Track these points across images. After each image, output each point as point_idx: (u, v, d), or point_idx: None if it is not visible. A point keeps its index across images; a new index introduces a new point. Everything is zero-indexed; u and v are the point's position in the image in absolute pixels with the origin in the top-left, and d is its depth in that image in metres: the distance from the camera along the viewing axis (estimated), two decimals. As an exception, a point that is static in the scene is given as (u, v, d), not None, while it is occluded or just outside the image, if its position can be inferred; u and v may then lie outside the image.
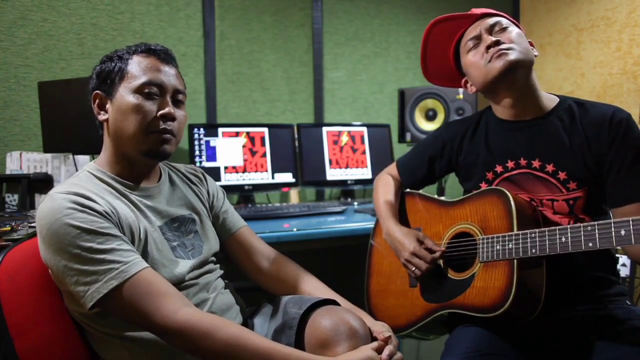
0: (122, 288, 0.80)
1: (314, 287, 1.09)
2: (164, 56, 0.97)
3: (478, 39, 1.11)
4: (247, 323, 1.08)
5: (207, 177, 1.18)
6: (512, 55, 1.03)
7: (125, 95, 0.92)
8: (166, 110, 0.93)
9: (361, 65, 2.56)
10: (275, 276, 1.13)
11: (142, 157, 0.94)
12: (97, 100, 0.96)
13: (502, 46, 1.05)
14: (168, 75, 0.96)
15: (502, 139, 1.15)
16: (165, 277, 0.89)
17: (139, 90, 0.92)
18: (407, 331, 1.20)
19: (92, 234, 0.80)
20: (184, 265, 0.95)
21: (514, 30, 1.09)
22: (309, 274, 1.14)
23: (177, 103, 0.98)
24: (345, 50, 2.52)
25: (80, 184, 0.89)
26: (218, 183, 1.98)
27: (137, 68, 0.93)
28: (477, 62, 1.10)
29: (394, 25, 2.62)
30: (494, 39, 1.06)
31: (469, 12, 1.15)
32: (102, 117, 0.96)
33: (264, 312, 1.10)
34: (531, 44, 1.12)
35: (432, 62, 1.24)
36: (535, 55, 1.11)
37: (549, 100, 1.12)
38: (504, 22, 1.11)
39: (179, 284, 0.93)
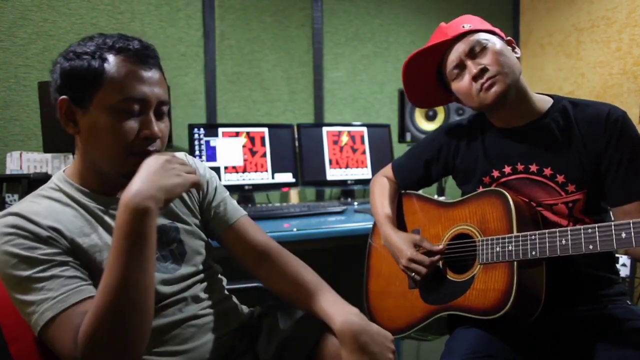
0: (58, 320, 0.72)
1: (313, 287, 0.99)
2: (146, 59, 0.83)
3: (461, 67, 1.07)
4: (251, 324, 1.07)
5: (196, 168, 1.03)
6: (503, 83, 1.01)
7: (101, 112, 0.79)
8: (149, 131, 0.82)
9: (361, 65, 2.56)
10: (273, 271, 1.02)
11: (121, 178, 0.82)
12: (64, 108, 0.81)
13: (489, 74, 1.02)
14: (151, 84, 0.82)
15: (498, 144, 1.15)
16: None
17: (117, 108, 0.79)
18: (406, 333, 1.19)
19: (31, 261, 0.73)
20: (164, 279, 0.89)
21: (495, 46, 1.04)
22: (309, 270, 1.04)
23: (160, 115, 0.86)
24: (345, 50, 2.52)
25: (36, 201, 0.81)
26: (218, 183, 1.99)
27: (115, 77, 0.79)
28: (467, 91, 1.07)
29: (394, 25, 2.62)
30: (479, 67, 1.03)
31: (442, 41, 1.08)
32: (71, 130, 0.83)
33: (275, 315, 1.04)
34: (511, 43, 1.10)
35: (418, 95, 1.25)
36: (518, 57, 1.08)
37: (542, 102, 1.11)
38: (482, 39, 1.05)
39: (162, 300, 0.88)
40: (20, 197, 1.64)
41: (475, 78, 1.04)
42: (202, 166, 1.07)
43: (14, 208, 0.78)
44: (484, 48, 1.04)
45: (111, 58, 0.80)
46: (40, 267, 0.74)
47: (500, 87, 1.02)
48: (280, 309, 1.06)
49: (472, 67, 1.04)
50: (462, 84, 1.08)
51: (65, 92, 0.81)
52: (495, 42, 1.06)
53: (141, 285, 0.72)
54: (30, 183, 1.64)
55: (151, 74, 0.83)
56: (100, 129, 0.80)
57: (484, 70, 1.03)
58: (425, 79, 1.19)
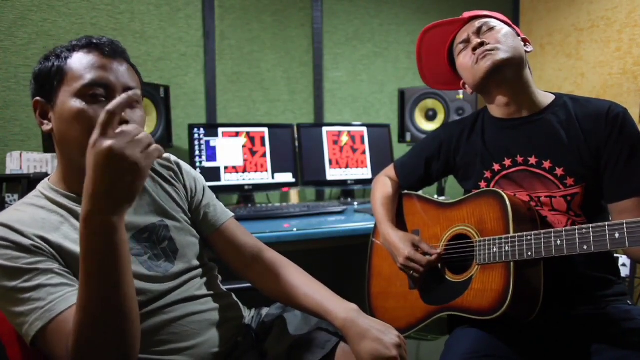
0: (49, 328, 0.71)
1: (308, 286, 1.00)
2: (110, 50, 0.83)
3: (467, 41, 1.13)
4: (258, 322, 1.07)
5: (183, 168, 1.05)
6: (497, 55, 1.06)
7: (66, 100, 0.80)
8: None
9: (361, 65, 2.56)
10: (265, 273, 1.04)
11: None
12: (38, 109, 0.84)
13: (487, 47, 1.07)
14: (116, 72, 0.82)
15: (498, 137, 1.15)
16: (140, 297, 0.83)
17: (81, 94, 0.79)
18: (407, 333, 1.20)
19: (15, 272, 0.73)
20: (157, 278, 0.89)
21: (502, 30, 1.10)
22: (302, 271, 1.05)
23: (131, 103, 0.82)
24: (345, 50, 2.52)
25: (20, 209, 0.81)
26: (218, 183, 2.00)
27: (78, 67, 0.80)
28: (466, 64, 1.13)
29: (393, 25, 2.62)
30: (479, 40, 1.09)
31: (459, 17, 1.17)
32: (45, 127, 0.84)
33: (288, 317, 1.05)
34: (526, 40, 1.13)
35: (428, 69, 1.27)
36: (528, 51, 1.12)
37: (545, 97, 1.13)
38: (492, 22, 1.12)
39: (158, 299, 0.88)
40: (20, 197, 1.64)
41: (474, 49, 1.09)
42: (188, 167, 1.07)
43: None
44: (491, 29, 1.11)
45: (75, 54, 0.83)
46: (25, 277, 0.73)
47: (496, 57, 1.06)
48: (292, 311, 1.06)
49: (474, 41, 1.10)
50: (463, 57, 1.14)
51: (37, 93, 0.84)
52: (503, 27, 1.11)
53: (119, 298, 0.69)
54: (30, 183, 1.64)
55: (116, 64, 0.84)
56: (67, 116, 0.80)
57: (482, 44, 1.08)
58: (437, 54, 1.23)
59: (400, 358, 0.84)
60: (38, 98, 0.84)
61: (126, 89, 0.83)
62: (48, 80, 0.82)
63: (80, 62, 0.81)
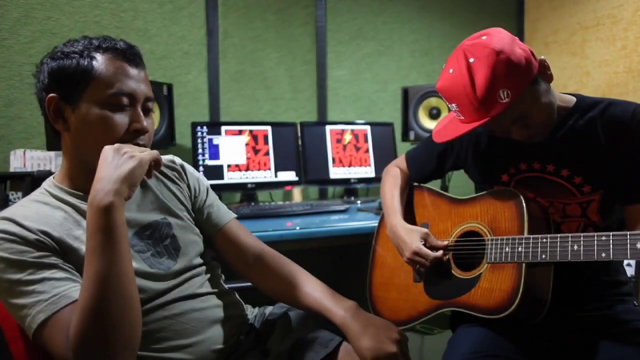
0: (51, 322, 0.72)
1: (308, 285, 1.01)
2: (132, 57, 0.86)
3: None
4: (260, 321, 1.07)
5: (187, 169, 1.07)
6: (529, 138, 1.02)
7: (92, 106, 0.81)
8: (139, 125, 0.84)
9: (364, 64, 2.55)
10: (267, 273, 1.05)
11: None
12: (52, 105, 0.83)
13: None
14: (138, 81, 0.85)
15: (514, 141, 1.12)
16: (141, 294, 0.83)
17: (107, 102, 0.82)
18: (407, 325, 1.19)
19: (20, 265, 0.74)
20: (159, 275, 0.90)
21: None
22: (303, 271, 1.06)
23: (147, 111, 0.88)
24: (349, 49, 2.51)
25: (25, 205, 0.83)
26: (221, 181, 2.00)
27: (105, 74, 0.82)
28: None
29: (397, 24, 2.61)
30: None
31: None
32: (60, 126, 0.84)
33: (291, 316, 1.05)
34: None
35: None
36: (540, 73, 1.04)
37: (564, 103, 1.06)
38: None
39: (159, 296, 0.89)
40: (24, 195, 1.65)
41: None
42: (192, 169, 1.09)
43: (2, 213, 0.79)
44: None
45: (99, 56, 0.83)
46: (30, 270, 0.74)
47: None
48: (296, 310, 1.06)
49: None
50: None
51: (54, 90, 0.83)
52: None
53: (118, 276, 0.72)
54: (33, 181, 1.64)
55: (137, 71, 0.86)
56: (91, 122, 0.82)
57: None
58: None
59: (401, 354, 0.84)
60: (54, 95, 0.82)
61: (146, 98, 0.87)
62: (71, 81, 0.82)
63: (107, 68, 0.82)
